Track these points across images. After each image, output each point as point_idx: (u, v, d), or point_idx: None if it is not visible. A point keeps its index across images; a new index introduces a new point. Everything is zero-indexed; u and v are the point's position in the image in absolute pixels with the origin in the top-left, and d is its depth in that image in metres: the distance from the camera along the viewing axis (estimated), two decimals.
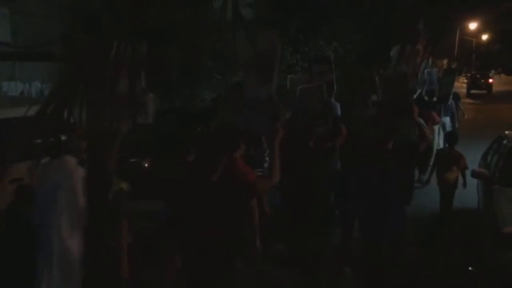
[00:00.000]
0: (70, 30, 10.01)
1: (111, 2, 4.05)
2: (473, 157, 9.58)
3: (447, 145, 7.67)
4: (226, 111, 4.65)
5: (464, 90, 32.50)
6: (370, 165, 5.04)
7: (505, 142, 7.35)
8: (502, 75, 46.66)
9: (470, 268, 5.90)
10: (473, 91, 32.58)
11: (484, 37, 39.30)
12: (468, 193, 8.43)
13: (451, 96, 10.90)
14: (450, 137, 7.62)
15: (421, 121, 6.19)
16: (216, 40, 13.83)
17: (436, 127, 9.77)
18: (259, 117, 4.22)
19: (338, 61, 16.09)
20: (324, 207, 5.42)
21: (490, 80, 34.62)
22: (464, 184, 7.33)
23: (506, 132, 7.84)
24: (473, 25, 36.39)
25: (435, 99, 10.62)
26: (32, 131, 4.05)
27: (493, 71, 45.87)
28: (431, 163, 8.63)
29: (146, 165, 8.69)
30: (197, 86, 13.64)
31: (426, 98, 10.55)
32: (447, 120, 10.96)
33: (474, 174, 7.04)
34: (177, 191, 3.89)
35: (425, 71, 11.79)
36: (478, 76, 35.14)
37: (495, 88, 37.83)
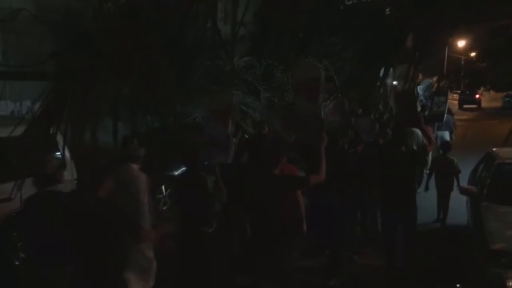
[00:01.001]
0: (61, 47, 10.09)
1: (103, 19, 4.11)
2: (462, 174, 9.68)
3: (441, 153, 8.81)
4: (279, 125, 6.09)
5: (455, 106, 35.51)
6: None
7: (493, 159, 7.41)
8: (491, 92, 47.19)
9: (458, 286, 5.92)
10: (465, 106, 38.36)
11: (473, 54, 39.76)
12: (458, 209, 8.49)
13: (445, 115, 11.64)
14: (444, 146, 8.90)
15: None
16: (208, 58, 13.93)
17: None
18: (308, 128, 5.42)
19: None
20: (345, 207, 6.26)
21: (477, 96, 40.60)
22: (458, 186, 8.21)
23: (494, 149, 7.91)
24: (461, 43, 36.99)
25: (426, 113, 11.17)
26: (19, 149, 4.13)
27: (482, 88, 46.48)
28: (426, 172, 9.49)
29: None
30: (189, 104, 13.68)
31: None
32: (445, 134, 12.10)
33: (463, 191, 7.10)
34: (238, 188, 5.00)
35: (419, 87, 12.33)
36: (467, 93, 40.52)
37: (484, 105, 40.70)
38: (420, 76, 27.24)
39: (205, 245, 5.05)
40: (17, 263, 6.43)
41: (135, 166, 5.15)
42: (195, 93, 13.53)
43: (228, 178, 5.32)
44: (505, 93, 40.50)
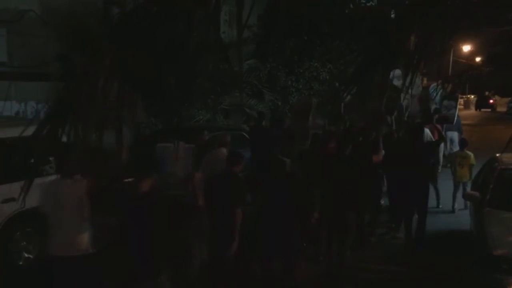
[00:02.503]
0: (66, 50, 10.08)
1: (108, 22, 4.13)
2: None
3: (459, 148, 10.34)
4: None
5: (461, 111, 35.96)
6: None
7: (496, 164, 7.38)
8: (496, 97, 47.21)
9: None
10: (482, 109, 43.40)
11: (478, 59, 39.82)
12: (461, 215, 8.49)
13: (455, 118, 13.21)
14: (462, 142, 10.33)
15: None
16: (212, 61, 13.95)
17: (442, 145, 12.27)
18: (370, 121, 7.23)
19: (333, 82, 16.24)
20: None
21: (491, 101, 44.91)
22: (470, 178, 9.18)
23: (497, 154, 7.88)
24: (466, 48, 37.01)
25: (437, 115, 12.26)
26: (28, 151, 4.14)
27: (486, 93, 46.51)
28: (439, 170, 11.14)
29: None
30: (192, 106, 13.71)
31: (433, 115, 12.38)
32: (455, 134, 13.48)
33: (466, 197, 7.08)
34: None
35: (432, 92, 13.35)
36: (483, 97, 45.50)
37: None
38: (425, 81, 27.26)
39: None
40: (20, 263, 6.45)
41: (225, 150, 6.47)
42: (199, 95, 13.57)
43: (305, 160, 6.67)
44: (510, 98, 40.44)
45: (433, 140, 9.46)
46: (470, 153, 9.70)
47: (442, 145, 12.10)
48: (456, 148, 12.79)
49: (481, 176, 7.97)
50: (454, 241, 7.83)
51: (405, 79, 5.79)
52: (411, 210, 7.44)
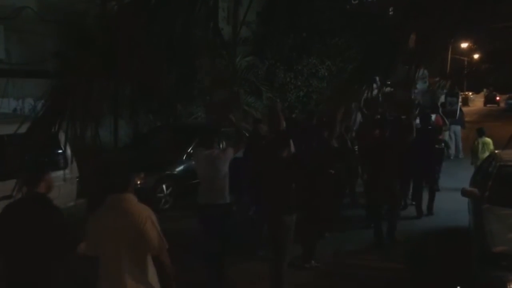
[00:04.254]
0: (64, 47, 10.01)
1: (106, 20, 4.10)
2: (464, 176, 9.65)
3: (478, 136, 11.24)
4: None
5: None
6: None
7: (494, 161, 7.38)
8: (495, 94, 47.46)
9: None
10: (488, 105, 46.96)
11: (476, 56, 39.96)
12: (460, 212, 8.48)
13: (458, 113, 14.47)
14: (480, 130, 11.20)
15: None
16: (210, 58, 13.89)
17: (446, 133, 13.63)
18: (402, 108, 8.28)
19: (331, 79, 16.21)
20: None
21: (498, 98, 48.01)
22: None
23: (496, 151, 7.88)
24: (465, 44, 37.11)
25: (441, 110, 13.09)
26: (22, 147, 4.11)
27: (485, 90, 46.59)
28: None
29: (139, 182, 8.58)
30: (191, 103, 13.69)
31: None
32: (458, 128, 14.86)
33: (464, 193, 7.05)
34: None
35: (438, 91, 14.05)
36: (492, 94, 48.94)
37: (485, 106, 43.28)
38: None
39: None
40: None
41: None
42: (197, 92, 13.53)
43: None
44: (508, 95, 40.47)
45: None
46: (489, 140, 10.93)
47: (447, 134, 13.74)
48: (459, 140, 15.18)
49: (480, 172, 7.96)
50: (453, 238, 7.83)
51: (409, 75, 5.80)
52: (420, 183, 9.12)
